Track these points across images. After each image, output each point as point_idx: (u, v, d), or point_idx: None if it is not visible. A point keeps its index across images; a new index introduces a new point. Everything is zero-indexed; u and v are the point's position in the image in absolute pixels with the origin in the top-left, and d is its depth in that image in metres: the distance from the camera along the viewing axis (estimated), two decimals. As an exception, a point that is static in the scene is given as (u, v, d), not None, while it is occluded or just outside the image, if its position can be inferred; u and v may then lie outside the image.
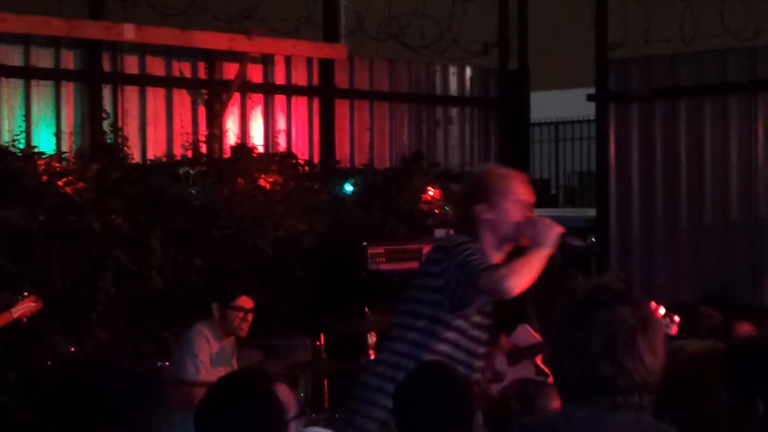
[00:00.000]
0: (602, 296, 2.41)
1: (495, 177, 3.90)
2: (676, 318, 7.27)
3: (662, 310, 6.98)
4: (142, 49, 7.78)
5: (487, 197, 3.84)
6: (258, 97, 8.36)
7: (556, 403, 5.86)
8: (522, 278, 3.65)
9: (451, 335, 3.80)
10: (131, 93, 7.78)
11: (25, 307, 5.90)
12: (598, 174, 9.78)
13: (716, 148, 9.09)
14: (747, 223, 8.93)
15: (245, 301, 6.02)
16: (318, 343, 6.69)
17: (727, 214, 9.01)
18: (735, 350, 2.85)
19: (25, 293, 5.96)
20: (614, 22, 9.41)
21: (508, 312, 6.51)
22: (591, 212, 11.36)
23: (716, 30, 8.73)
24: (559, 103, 14.03)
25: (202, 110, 8.06)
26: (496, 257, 3.84)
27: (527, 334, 6.50)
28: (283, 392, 2.83)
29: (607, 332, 2.32)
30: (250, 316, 6.02)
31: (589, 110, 12.99)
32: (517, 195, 3.85)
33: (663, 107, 9.34)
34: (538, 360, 6.54)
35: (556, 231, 3.74)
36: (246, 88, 8.21)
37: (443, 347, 3.77)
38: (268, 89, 8.43)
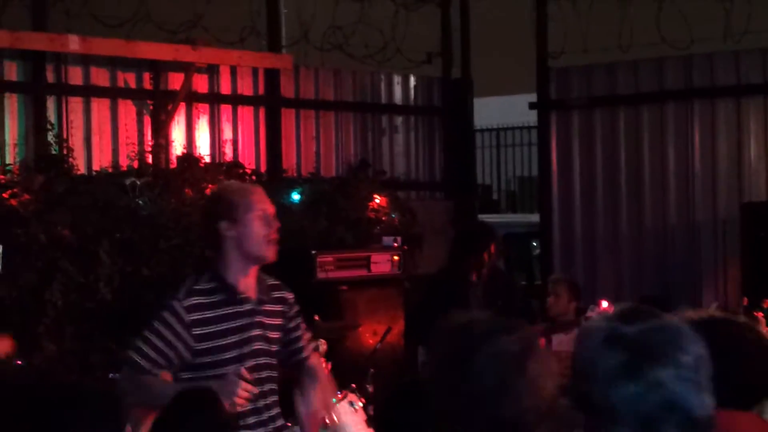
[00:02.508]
0: (478, 330, 2.17)
1: (236, 192, 3.86)
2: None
3: (606, 305, 7.05)
4: (86, 60, 7.75)
5: (230, 213, 3.77)
6: (204, 107, 8.36)
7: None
8: (133, 400, 3.51)
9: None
10: (76, 104, 7.74)
11: None
12: (540, 180, 9.95)
13: (654, 155, 9.30)
14: (684, 228, 9.14)
15: None
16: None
17: (666, 219, 9.22)
18: None
19: None
20: (554, 32, 9.58)
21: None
22: (532, 218, 11.54)
23: (653, 38, 8.93)
24: (499, 110, 14.21)
25: (147, 120, 8.04)
26: (242, 280, 3.77)
27: None
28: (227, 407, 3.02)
29: (498, 368, 2.08)
30: None
31: (530, 117, 13.19)
32: (259, 209, 3.79)
33: (602, 115, 9.53)
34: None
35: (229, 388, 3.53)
36: (192, 98, 8.22)
37: None
38: (214, 99, 8.45)
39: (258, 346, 3.82)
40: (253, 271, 3.81)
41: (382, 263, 7.67)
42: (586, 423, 1.88)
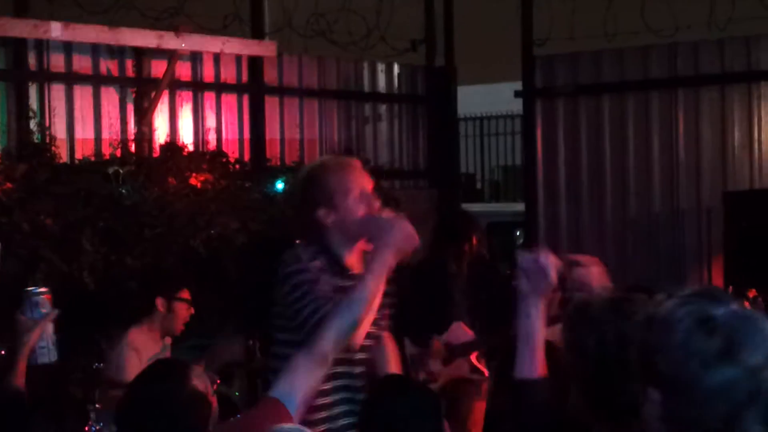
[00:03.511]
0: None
1: (331, 174, 3.58)
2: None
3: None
4: (68, 47, 7.69)
5: (328, 199, 3.54)
6: (187, 95, 8.31)
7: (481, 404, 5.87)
8: (359, 329, 3.18)
9: None
10: (58, 91, 7.67)
11: None
12: (525, 169, 9.95)
13: (639, 143, 9.31)
14: (669, 216, 9.16)
15: (187, 293, 5.98)
16: (252, 341, 6.70)
17: (651, 207, 9.25)
18: None
19: None
20: (539, 19, 9.56)
21: (439, 313, 6.53)
22: (517, 207, 11.54)
23: (637, 27, 8.92)
24: (483, 98, 14.19)
25: (130, 108, 7.98)
26: (350, 258, 3.56)
27: (462, 331, 6.50)
28: (199, 379, 2.86)
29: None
30: (192, 309, 5.98)
31: (514, 105, 13.13)
32: (358, 188, 3.56)
33: (587, 103, 9.53)
34: (473, 358, 6.57)
35: (402, 232, 3.18)
36: (175, 85, 8.16)
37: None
38: (197, 87, 8.39)
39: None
40: (358, 246, 3.58)
41: (367, 252, 7.64)
42: (663, 403, 1.84)
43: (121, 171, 7.30)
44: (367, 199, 3.57)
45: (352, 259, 3.64)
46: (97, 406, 5.51)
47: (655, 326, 1.90)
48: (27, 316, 3.21)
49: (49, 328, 3.27)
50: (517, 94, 9.91)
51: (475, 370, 6.50)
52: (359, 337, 3.34)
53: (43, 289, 3.26)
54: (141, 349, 5.81)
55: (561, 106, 9.63)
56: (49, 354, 3.29)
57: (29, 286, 6.52)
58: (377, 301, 3.26)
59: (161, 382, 2.85)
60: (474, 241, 6.62)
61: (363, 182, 3.60)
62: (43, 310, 3.27)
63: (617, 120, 9.39)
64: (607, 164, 9.42)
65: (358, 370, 3.67)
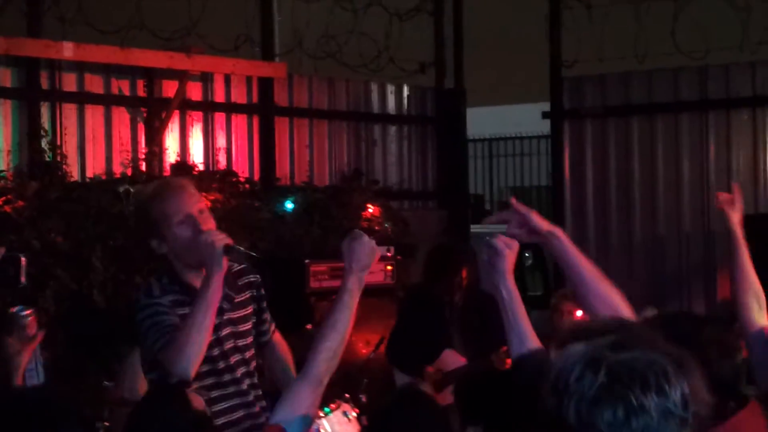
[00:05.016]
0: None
1: (152, 204, 3.48)
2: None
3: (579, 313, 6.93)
4: (80, 67, 7.76)
5: (154, 230, 3.45)
6: (198, 115, 8.37)
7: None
8: (188, 355, 3.23)
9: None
10: (70, 111, 7.74)
11: None
12: (553, 190, 9.93)
13: (668, 165, 9.28)
14: (700, 239, 9.13)
15: None
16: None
17: (681, 229, 9.22)
18: None
19: None
20: (567, 40, 9.53)
21: (429, 342, 6.41)
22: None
23: (668, 48, 8.91)
24: (492, 120, 14.24)
25: (141, 128, 8.05)
26: (200, 282, 3.42)
27: (453, 358, 6.34)
28: (198, 402, 2.88)
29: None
30: None
31: (523, 127, 13.19)
32: (180, 214, 3.42)
33: (616, 124, 9.51)
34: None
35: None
36: (186, 105, 8.23)
37: None
38: (208, 107, 8.46)
39: (228, 345, 3.58)
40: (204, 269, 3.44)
41: (375, 273, 7.66)
42: None
43: (131, 190, 7.35)
44: (192, 222, 3.44)
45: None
46: (105, 424, 5.53)
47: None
48: (15, 339, 3.20)
49: (37, 350, 3.27)
50: (545, 115, 9.91)
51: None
52: (187, 370, 3.27)
53: (29, 311, 3.26)
54: None
55: (589, 128, 9.61)
56: (37, 375, 3.29)
57: (40, 305, 6.59)
58: (203, 336, 3.28)
59: (165, 405, 2.87)
60: (464, 273, 6.45)
61: (185, 206, 3.46)
62: (31, 332, 3.26)
63: (646, 142, 9.36)
64: (635, 186, 9.39)
65: (245, 382, 3.65)
